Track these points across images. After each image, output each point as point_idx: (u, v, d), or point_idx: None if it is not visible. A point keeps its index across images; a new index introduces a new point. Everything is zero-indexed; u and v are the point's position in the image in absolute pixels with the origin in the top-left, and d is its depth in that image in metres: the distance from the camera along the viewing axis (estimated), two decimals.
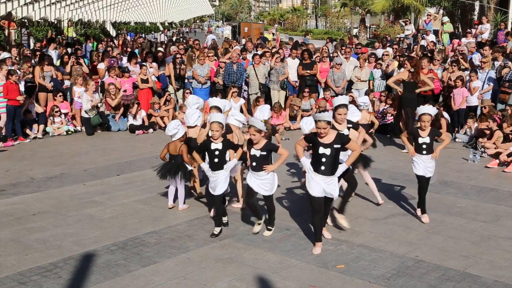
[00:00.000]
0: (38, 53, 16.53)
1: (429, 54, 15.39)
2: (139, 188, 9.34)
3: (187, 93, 14.90)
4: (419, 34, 21.64)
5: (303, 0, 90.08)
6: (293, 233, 7.28)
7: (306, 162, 6.50)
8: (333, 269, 6.17)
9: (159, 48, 19.35)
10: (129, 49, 20.13)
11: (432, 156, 7.40)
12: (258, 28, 38.48)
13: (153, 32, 54.53)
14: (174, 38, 28.89)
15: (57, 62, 16.36)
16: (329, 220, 7.27)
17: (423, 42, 18.74)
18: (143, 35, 40.60)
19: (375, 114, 9.87)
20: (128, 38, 31.50)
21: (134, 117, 14.51)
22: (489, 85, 13.71)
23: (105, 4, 43.57)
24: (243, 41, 24.70)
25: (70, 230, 7.37)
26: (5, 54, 14.59)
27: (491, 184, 9.73)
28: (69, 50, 18.42)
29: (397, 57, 15.90)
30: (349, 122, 7.23)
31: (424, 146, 7.36)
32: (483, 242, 6.99)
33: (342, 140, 6.36)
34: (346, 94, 15.11)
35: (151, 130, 14.54)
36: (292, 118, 14.89)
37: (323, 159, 6.30)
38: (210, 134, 7.12)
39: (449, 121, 13.30)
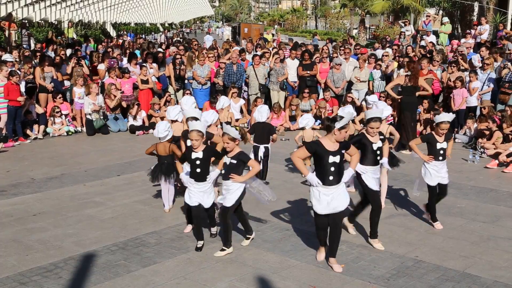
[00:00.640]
0: (38, 54, 16.54)
1: (428, 55, 15.41)
2: (139, 188, 9.33)
3: (187, 93, 14.91)
4: (418, 35, 21.66)
5: (302, 1, 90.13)
6: (293, 234, 7.28)
7: (313, 177, 5.89)
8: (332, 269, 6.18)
9: (159, 49, 19.34)
10: (128, 50, 20.12)
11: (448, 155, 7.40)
12: (258, 29, 38.48)
13: (153, 33, 54.52)
14: (174, 39, 28.86)
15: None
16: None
17: (422, 43, 18.76)
18: (143, 36, 40.57)
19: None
20: (128, 38, 31.50)
21: (135, 117, 14.52)
22: (489, 86, 13.72)
23: (106, 5, 43.65)
24: (243, 42, 24.71)
25: (70, 230, 7.37)
26: (7, 56, 14.57)
27: (491, 184, 9.74)
28: (69, 51, 18.42)
29: (397, 57, 15.92)
30: (380, 134, 7.02)
31: (441, 152, 7.25)
32: (482, 242, 6.99)
33: (345, 146, 6.00)
34: (346, 94, 15.18)
35: (151, 131, 14.45)
36: (292, 118, 14.89)
37: (332, 168, 5.81)
38: (189, 144, 6.73)
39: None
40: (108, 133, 14.37)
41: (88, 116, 14.20)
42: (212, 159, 6.85)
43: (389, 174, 9.75)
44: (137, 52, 18.68)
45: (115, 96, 14.52)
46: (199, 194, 6.56)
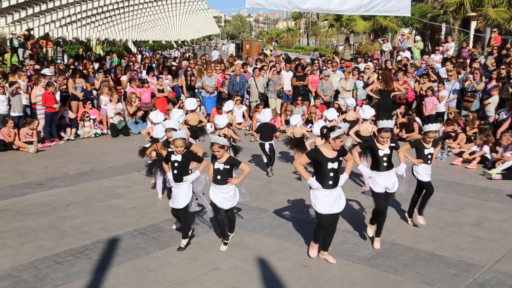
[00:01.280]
0: (71, 67, 16.57)
1: (403, 68, 15.44)
2: None
3: (197, 101, 14.91)
4: (395, 51, 21.66)
5: (296, 21, 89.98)
6: (288, 221, 7.29)
7: (314, 182, 5.60)
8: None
9: (173, 63, 19.36)
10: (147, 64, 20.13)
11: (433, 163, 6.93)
12: (258, 45, 38.34)
13: (168, 49, 54.45)
14: (187, 55, 28.83)
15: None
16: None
17: (398, 58, 18.78)
18: (160, 52, 40.52)
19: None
20: (146, 54, 31.47)
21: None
22: (454, 95, 13.75)
23: (128, 26, 43.72)
24: (247, 56, 24.70)
25: (98, 218, 7.39)
26: (46, 70, 14.70)
27: (456, 178, 9.75)
28: (96, 65, 18.44)
29: (377, 70, 15.94)
30: (392, 141, 6.31)
31: (429, 157, 6.80)
32: (449, 227, 7.01)
33: (342, 153, 5.65)
34: (333, 102, 15.18)
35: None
36: (287, 122, 14.85)
37: (331, 174, 5.54)
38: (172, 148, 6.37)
39: (421, 125, 13.30)
40: (129, 135, 14.38)
41: (111, 120, 14.24)
42: (194, 164, 6.51)
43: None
44: (154, 65, 18.70)
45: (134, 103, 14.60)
46: (176, 196, 6.17)
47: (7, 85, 12.93)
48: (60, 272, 5.57)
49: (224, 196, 6.07)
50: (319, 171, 5.59)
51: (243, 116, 15.18)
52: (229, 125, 9.57)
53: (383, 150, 6.17)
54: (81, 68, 16.64)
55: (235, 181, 6.10)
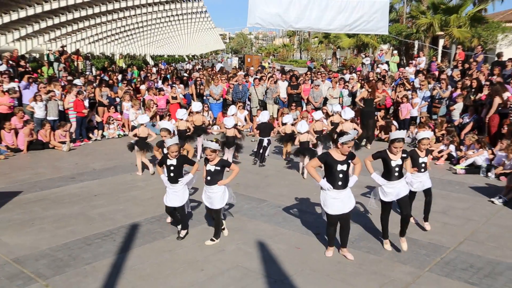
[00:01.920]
0: (98, 78, 16.60)
1: (382, 79, 15.44)
2: None
3: (205, 106, 14.92)
4: (375, 64, 21.65)
5: (291, 38, 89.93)
6: (284, 209, 7.30)
7: (325, 183, 5.30)
8: (313, 235, 6.20)
9: (184, 74, 19.36)
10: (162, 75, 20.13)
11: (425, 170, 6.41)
12: (258, 59, 38.47)
13: (180, 62, 54.44)
14: (197, 67, 28.83)
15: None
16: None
17: (378, 70, 18.77)
18: (173, 65, 40.52)
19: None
20: (162, 66, 31.49)
21: None
22: (425, 101, 13.75)
23: (146, 42, 43.74)
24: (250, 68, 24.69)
25: (121, 206, 7.41)
26: (77, 81, 14.79)
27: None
28: (119, 76, 18.47)
29: (360, 80, 15.94)
30: (403, 152, 5.67)
31: (423, 165, 6.31)
32: (421, 215, 6.99)
33: (351, 156, 5.34)
34: (322, 107, 15.18)
35: None
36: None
37: (340, 175, 5.23)
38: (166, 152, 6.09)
39: (397, 127, 13.35)
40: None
41: (132, 123, 14.23)
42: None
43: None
44: (168, 76, 18.70)
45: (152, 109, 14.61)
46: (172, 195, 5.92)
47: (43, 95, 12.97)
48: (90, 252, 5.59)
49: (212, 196, 5.77)
50: (330, 173, 5.29)
51: (245, 120, 15.16)
52: (235, 125, 9.91)
53: (395, 160, 5.57)
54: (106, 79, 16.65)
55: (224, 182, 5.78)
